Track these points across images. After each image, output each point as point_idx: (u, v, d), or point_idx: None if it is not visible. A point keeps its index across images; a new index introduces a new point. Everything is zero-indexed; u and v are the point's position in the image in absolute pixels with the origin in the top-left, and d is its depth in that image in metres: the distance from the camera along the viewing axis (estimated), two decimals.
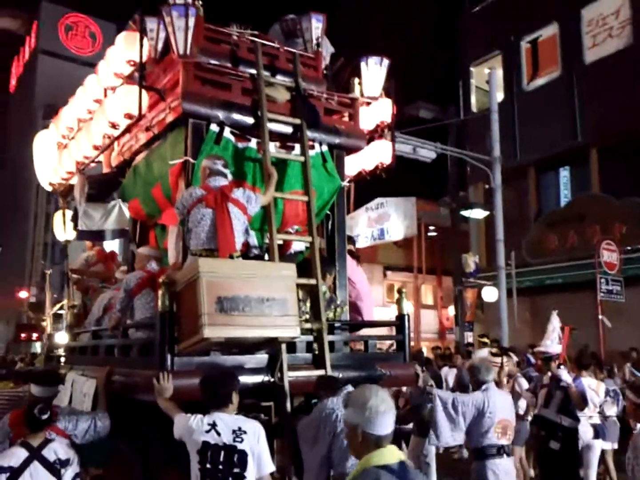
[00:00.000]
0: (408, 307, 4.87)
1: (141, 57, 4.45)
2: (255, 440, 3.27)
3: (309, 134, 4.83)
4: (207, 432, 3.21)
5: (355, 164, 5.45)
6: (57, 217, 6.38)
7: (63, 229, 6.07)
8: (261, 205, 4.36)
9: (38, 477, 3.26)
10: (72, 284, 5.93)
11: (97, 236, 5.78)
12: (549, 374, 6.29)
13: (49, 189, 6.28)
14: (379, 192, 17.22)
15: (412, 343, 17.31)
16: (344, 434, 3.45)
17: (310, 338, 4.30)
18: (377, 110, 5.44)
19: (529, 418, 6.92)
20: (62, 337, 5.82)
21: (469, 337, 15.51)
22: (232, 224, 4.03)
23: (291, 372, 4.07)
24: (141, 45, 4.43)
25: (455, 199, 16.58)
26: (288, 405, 4.06)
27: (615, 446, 7.32)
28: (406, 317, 4.72)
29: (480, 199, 16.56)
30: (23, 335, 27.63)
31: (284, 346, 4.06)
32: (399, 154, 12.77)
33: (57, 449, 3.38)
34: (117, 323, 4.40)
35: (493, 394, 4.70)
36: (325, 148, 4.98)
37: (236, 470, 3.18)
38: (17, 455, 3.27)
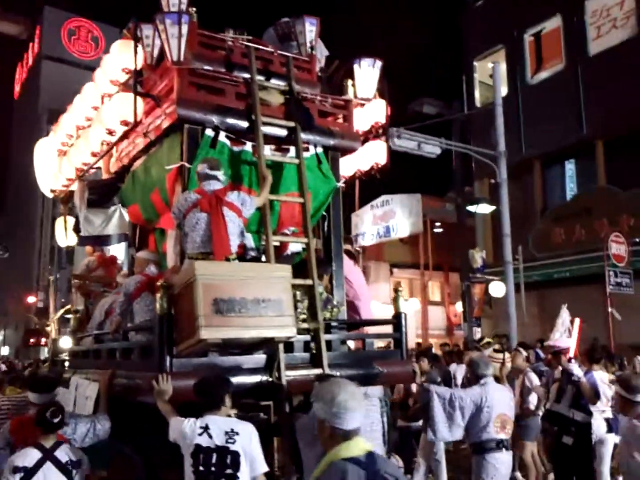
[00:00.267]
0: (414, 304, 4.96)
1: (136, 64, 4.58)
2: (248, 441, 3.37)
3: (304, 136, 4.94)
4: (200, 435, 3.31)
5: (351, 164, 5.55)
6: (59, 223, 6.52)
7: (65, 234, 6.21)
8: (256, 208, 4.48)
9: (51, 478, 3.41)
10: (74, 289, 6.07)
11: (98, 241, 5.92)
12: (560, 368, 6.31)
13: (50, 195, 6.42)
14: (384, 190, 17.29)
15: (420, 340, 17.40)
16: None
17: (307, 338, 4.40)
18: (372, 111, 5.54)
19: (540, 413, 6.98)
20: (66, 342, 5.97)
21: (478, 333, 15.54)
22: (226, 227, 4.14)
23: (289, 371, 4.17)
24: (135, 53, 4.56)
25: (461, 195, 16.65)
26: (287, 404, 4.16)
27: None
28: (403, 315, 4.80)
29: (486, 194, 16.59)
30: (32, 340, 27.93)
31: (281, 346, 4.16)
32: (403, 150, 12.95)
33: (69, 451, 3.52)
34: (118, 326, 4.53)
35: (491, 389, 4.79)
36: (319, 150, 5.09)
37: (229, 471, 3.29)
38: (31, 456, 3.42)
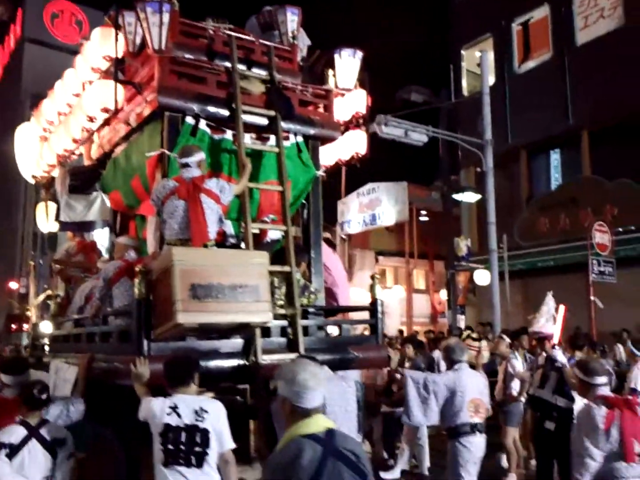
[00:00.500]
0: (399, 292, 5.10)
1: (116, 52, 4.65)
2: (216, 419, 3.49)
3: (284, 125, 5.05)
4: (169, 414, 3.43)
5: (331, 154, 5.67)
6: (40, 209, 6.59)
7: (46, 220, 6.29)
8: (235, 195, 4.59)
9: (36, 455, 3.52)
10: (54, 274, 6.16)
11: (80, 227, 6.00)
12: (544, 354, 6.46)
13: (32, 181, 6.49)
14: (371, 177, 17.40)
15: (404, 327, 17.59)
16: None
17: (284, 323, 4.55)
18: (352, 101, 5.64)
19: (523, 399, 7.16)
20: (46, 327, 6.07)
21: (462, 320, 15.78)
22: (204, 214, 4.25)
23: (266, 356, 4.30)
24: (116, 41, 4.64)
25: (447, 183, 16.80)
26: (263, 388, 4.30)
27: None
28: (379, 302, 4.95)
29: (472, 182, 16.76)
30: (14, 326, 27.77)
31: (258, 331, 4.30)
32: (390, 138, 13.07)
33: (54, 429, 3.63)
34: (97, 311, 4.64)
35: (465, 374, 4.96)
36: (300, 139, 5.20)
37: (198, 448, 3.41)
38: (17, 432, 3.53)
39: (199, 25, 5.11)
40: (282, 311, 4.52)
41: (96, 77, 4.95)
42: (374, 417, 7.90)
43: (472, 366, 5.40)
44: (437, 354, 10.15)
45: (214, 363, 4.21)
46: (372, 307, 4.98)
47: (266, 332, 4.49)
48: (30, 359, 5.88)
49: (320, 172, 5.34)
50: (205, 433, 3.45)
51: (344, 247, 17.73)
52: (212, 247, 4.29)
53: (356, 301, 8.60)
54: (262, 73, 5.14)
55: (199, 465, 3.42)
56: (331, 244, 5.71)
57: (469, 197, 15.68)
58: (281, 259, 4.71)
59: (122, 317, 4.44)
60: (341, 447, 2.44)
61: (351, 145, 5.67)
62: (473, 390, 4.92)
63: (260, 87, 5.07)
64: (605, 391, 4.09)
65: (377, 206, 17.39)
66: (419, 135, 13.64)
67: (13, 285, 29.19)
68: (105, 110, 4.73)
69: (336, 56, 5.43)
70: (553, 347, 6.28)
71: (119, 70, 4.76)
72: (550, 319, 6.98)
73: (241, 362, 4.29)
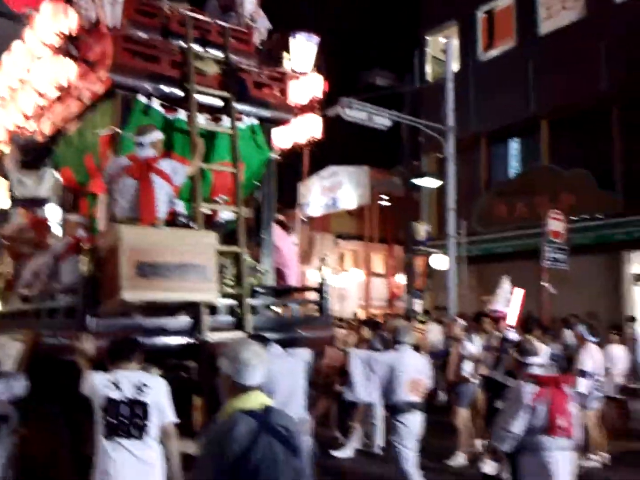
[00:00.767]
0: (358, 275, 5.24)
1: (69, 28, 4.63)
2: (157, 393, 3.60)
3: (238, 106, 5.13)
4: (110, 388, 3.53)
5: (287, 137, 5.76)
6: None
7: None
8: (188, 176, 4.66)
9: None
10: (3, 250, 6.12)
11: (31, 203, 5.97)
12: (497, 333, 6.67)
13: None
14: (333, 160, 17.51)
15: (361, 310, 17.88)
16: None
17: (232, 302, 4.67)
18: (308, 85, 5.73)
19: (474, 380, 7.43)
20: None
21: (418, 304, 16.11)
22: (154, 194, 4.30)
23: (213, 334, 4.42)
24: (67, 16, 4.61)
25: (409, 168, 17.01)
26: (209, 365, 4.42)
27: None
28: (326, 283, 5.11)
29: (433, 168, 17.00)
30: None
31: (205, 309, 4.42)
32: (354, 121, 13.19)
33: None
34: (45, 287, 4.68)
35: (406, 354, 5.19)
36: (254, 121, 5.28)
37: (138, 421, 3.52)
38: None
39: (154, 3, 5.11)
40: (230, 290, 4.64)
41: (47, 53, 4.91)
42: (332, 397, 8.11)
43: (417, 347, 5.61)
44: None
45: (161, 340, 4.32)
46: (320, 288, 5.13)
47: (214, 310, 4.61)
48: None
49: (274, 155, 5.43)
50: (145, 407, 3.56)
51: (304, 230, 17.85)
52: (161, 226, 4.36)
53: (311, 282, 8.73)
54: (218, 54, 5.19)
55: (140, 436, 3.53)
56: (283, 225, 5.82)
57: (430, 182, 15.93)
58: (234, 240, 4.82)
59: (69, 293, 4.48)
60: (276, 423, 2.56)
61: (306, 129, 5.77)
62: (413, 370, 5.15)
63: (215, 68, 5.12)
64: (538, 370, 4.36)
65: (338, 189, 17.52)
66: (382, 119, 13.78)
67: None
68: (57, 87, 4.72)
69: (292, 39, 5.50)
70: (507, 327, 6.52)
71: (71, 46, 4.74)
72: (505, 302, 7.26)
73: (188, 339, 4.40)
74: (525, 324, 7.42)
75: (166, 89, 4.86)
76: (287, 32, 5.85)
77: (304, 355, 5.02)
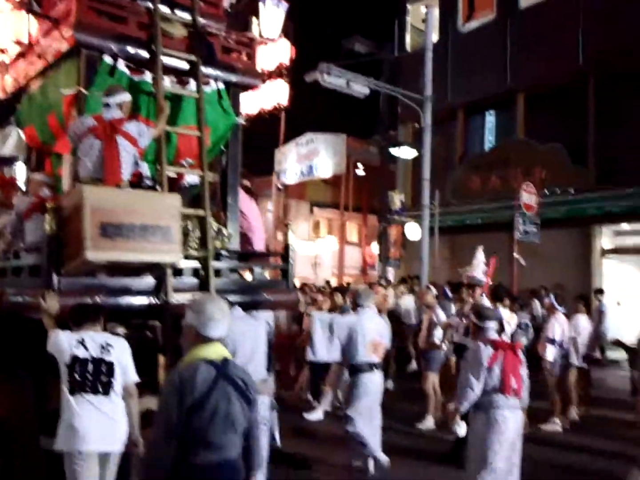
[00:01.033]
0: (332, 243, 5.37)
1: None
2: (121, 354, 3.78)
3: (205, 70, 5.16)
4: (76, 347, 3.68)
5: (254, 102, 5.81)
6: None
7: None
8: (153, 138, 4.71)
9: None
10: None
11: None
12: (471, 300, 6.86)
13: None
14: (310, 127, 17.52)
15: (335, 278, 18.13)
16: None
17: (197, 264, 4.78)
18: (276, 52, 5.77)
19: (444, 347, 7.68)
20: None
21: (390, 273, 16.38)
22: (119, 156, 4.37)
23: (177, 295, 4.54)
24: None
25: (386, 138, 17.09)
26: (173, 325, 4.54)
27: None
28: (291, 248, 5.25)
29: (410, 138, 17.15)
30: None
31: (169, 271, 4.53)
32: (332, 87, 13.19)
33: None
34: (9, 246, 4.74)
35: (366, 317, 5.41)
36: (221, 85, 5.32)
37: (104, 378, 3.70)
38: None
39: None
40: (194, 253, 4.75)
41: (7, 7, 4.87)
42: (305, 362, 8.33)
43: (380, 310, 5.83)
44: None
45: (125, 300, 4.43)
46: (284, 253, 5.27)
47: (178, 272, 4.72)
48: None
49: (241, 120, 5.49)
50: (110, 365, 3.73)
51: (279, 197, 17.95)
52: (125, 188, 4.43)
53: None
54: (186, 16, 5.19)
55: (105, 392, 3.71)
56: (249, 190, 5.92)
57: (406, 152, 16.06)
58: (198, 204, 4.91)
59: (33, 252, 4.56)
60: (233, 374, 2.79)
61: (273, 95, 5.83)
62: (373, 332, 5.38)
63: (182, 30, 5.13)
64: (494, 335, 4.59)
65: (314, 157, 17.55)
66: (360, 87, 13.80)
67: None
68: (18, 43, 4.70)
69: (260, 4, 5.52)
70: (481, 295, 6.72)
71: (34, 2, 4.71)
72: (480, 271, 7.49)
73: (152, 300, 4.52)
74: (496, 293, 7.65)
75: (132, 50, 4.87)
76: None
77: (266, 317, 5.20)
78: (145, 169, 4.95)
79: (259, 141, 18.76)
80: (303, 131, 18.02)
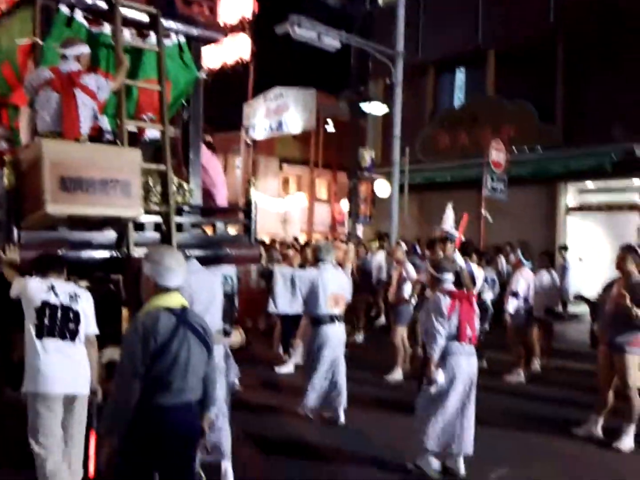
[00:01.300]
0: (302, 200, 5.46)
1: None
2: (86, 304, 3.93)
3: (166, 23, 5.14)
4: (46, 292, 3.80)
5: (216, 57, 5.82)
6: None
7: None
8: (112, 92, 4.73)
9: None
10: None
11: None
12: (442, 254, 6.95)
13: None
14: (280, 81, 17.36)
15: (304, 235, 18.30)
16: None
17: (158, 219, 4.88)
18: (238, 5, 5.76)
19: (413, 301, 7.91)
20: None
21: (359, 230, 16.60)
22: (78, 110, 4.38)
23: (139, 249, 4.64)
24: None
25: (356, 94, 17.08)
26: (135, 278, 4.66)
27: (487, 327, 8.50)
28: (253, 204, 5.37)
29: (380, 94, 17.15)
30: None
31: (130, 225, 4.62)
32: (303, 40, 13.09)
33: None
34: None
35: (327, 271, 5.61)
36: (182, 39, 5.31)
37: (71, 326, 3.84)
38: None
39: None
40: (156, 208, 4.84)
41: None
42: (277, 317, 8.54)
43: (340, 264, 6.03)
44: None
45: (87, 254, 4.53)
46: (246, 209, 5.39)
47: (139, 226, 4.82)
48: None
49: (203, 74, 5.51)
50: (78, 314, 3.88)
51: (248, 153, 17.85)
52: (84, 142, 4.47)
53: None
54: None
55: (72, 339, 3.86)
56: (211, 146, 5.98)
57: (377, 108, 16.11)
58: (160, 158, 4.97)
59: None
60: (192, 321, 2.97)
61: (235, 49, 5.84)
62: (334, 285, 5.59)
63: None
64: (450, 286, 4.83)
65: (284, 112, 17.45)
66: (331, 40, 13.74)
67: None
68: None
69: None
70: (454, 250, 6.91)
71: None
72: (451, 227, 7.69)
73: (114, 253, 4.63)
74: (464, 249, 7.84)
75: (90, 1, 4.82)
76: None
77: (229, 272, 5.34)
78: (105, 123, 4.97)
79: (228, 95, 18.58)
80: (272, 85, 17.85)
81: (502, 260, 13.04)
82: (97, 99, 4.57)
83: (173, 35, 5.26)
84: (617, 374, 5.50)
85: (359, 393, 6.54)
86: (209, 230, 5.87)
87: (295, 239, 15.17)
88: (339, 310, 5.65)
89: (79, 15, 4.81)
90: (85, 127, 4.46)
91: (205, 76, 5.60)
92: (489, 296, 8.37)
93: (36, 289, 3.79)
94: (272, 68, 17.36)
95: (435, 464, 4.68)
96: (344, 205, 19.45)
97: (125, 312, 4.85)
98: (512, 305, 7.91)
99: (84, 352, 3.94)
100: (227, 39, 5.07)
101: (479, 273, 7.76)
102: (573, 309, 12.90)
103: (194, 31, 5.36)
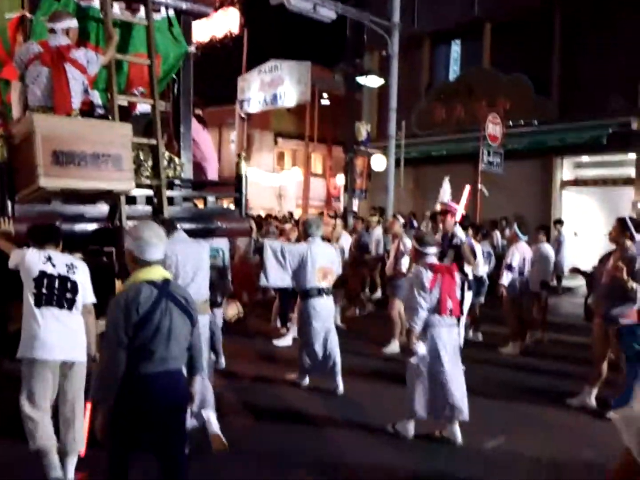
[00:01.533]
0: (297, 175, 5.56)
1: None
2: (83, 275, 4.05)
3: None
4: (44, 263, 3.93)
5: (205, 30, 5.88)
6: None
7: None
8: (102, 66, 4.81)
9: None
10: None
11: None
12: (440, 228, 7.11)
13: None
14: (275, 54, 17.29)
15: (299, 210, 18.41)
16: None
17: (150, 193, 5.01)
18: None
19: (410, 275, 7.95)
20: None
21: (355, 204, 16.69)
22: (68, 84, 4.46)
23: (130, 222, 4.77)
24: None
25: (351, 66, 17.03)
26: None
27: (482, 300, 8.72)
28: (243, 178, 5.49)
29: (376, 67, 17.12)
30: None
31: (123, 198, 4.75)
32: (297, 11, 13.05)
33: None
34: None
35: (316, 245, 5.75)
36: (171, 12, 5.38)
37: (69, 295, 3.97)
38: None
39: None
40: (147, 181, 4.96)
41: None
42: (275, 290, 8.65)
43: (328, 239, 6.16)
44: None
45: (80, 226, 4.67)
46: (237, 183, 5.52)
47: (131, 200, 4.95)
48: None
49: (192, 48, 5.58)
50: (75, 284, 4.01)
51: (243, 127, 17.83)
52: (76, 116, 4.57)
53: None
54: None
55: (70, 308, 3.99)
56: (201, 120, 6.07)
57: (373, 81, 16.07)
58: (151, 133, 5.07)
59: None
60: (174, 292, 3.10)
61: (225, 23, 5.90)
62: (323, 259, 5.74)
63: None
64: (433, 259, 4.97)
65: (279, 85, 17.41)
66: (327, 11, 13.68)
67: None
68: None
69: None
70: (455, 224, 6.96)
71: None
72: (449, 199, 7.76)
73: (107, 226, 4.76)
74: (461, 223, 7.76)
75: None
76: None
77: (219, 244, 5.50)
78: (96, 97, 5.06)
79: (222, 69, 18.50)
80: (268, 58, 17.78)
81: (497, 234, 13.19)
82: (87, 73, 4.64)
83: (162, 9, 5.32)
84: (612, 346, 5.54)
85: (356, 365, 6.70)
86: (201, 204, 6.01)
87: (290, 214, 15.26)
88: (327, 283, 5.80)
89: None
90: (76, 101, 4.55)
91: (195, 50, 5.66)
92: (484, 270, 8.49)
93: (34, 260, 3.92)
94: (267, 41, 17.31)
95: (411, 430, 4.85)
96: (340, 179, 19.51)
97: (118, 283, 5.01)
98: (507, 278, 8.03)
99: (81, 321, 4.08)
100: (217, 12, 5.10)
101: (477, 247, 7.84)
102: (567, 282, 13.08)
103: (183, 5, 5.42)
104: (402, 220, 9.00)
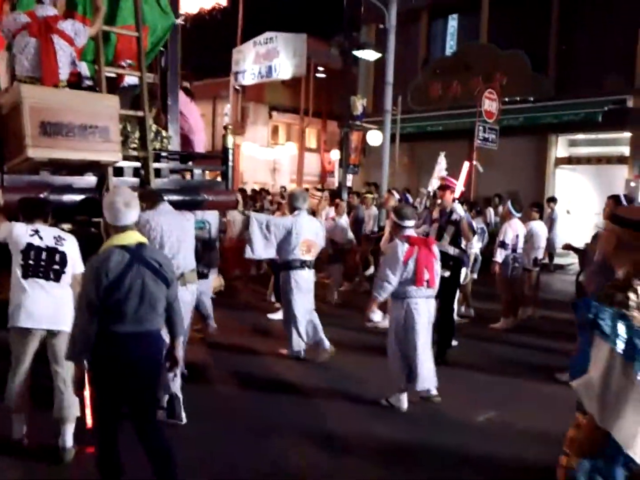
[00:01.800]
0: (291, 149, 5.65)
1: None
2: (71, 246, 4.17)
3: None
4: (31, 236, 4.06)
5: (193, 2, 5.95)
6: None
7: None
8: (90, 37, 4.90)
9: None
10: None
11: None
12: (437, 206, 7.12)
13: None
14: (269, 25, 17.22)
15: (293, 185, 18.48)
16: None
17: (137, 164, 5.14)
18: None
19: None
20: None
21: (350, 179, 16.78)
22: (56, 55, 4.55)
23: None
24: None
25: (348, 39, 17.00)
26: None
27: (475, 276, 8.82)
28: (229, 151, 5.61)
29: (372, 40, 17.08)
30: None
31: (110, 169, 4.88)
32: None
33: None
34: None
35: (301, 219, 5.90)
36: None
37: (56, 266, 4.10)
38: None
39: None
40: (134, 153, 5.09)
41: None
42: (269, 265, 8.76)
43: (314, 212, 6.30)
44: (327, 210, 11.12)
45: (68, 197, 4.79)
46: (223, 156, 5.64)
47: (119, 171, 5.08)
48: None
49: (180, 20, 5.66)
50: (63, 255, 4.12)
51: (237, 99, 17.79)
52: (63, 87, 4.67)
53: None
54: None
55: (57, 279, 4.12)
56: (189, 92, 6.16)
57: (369, 54, 16.02)
58: (139, 105, 5.18)
59: None
60: (148, 256, 3.24)
61: None
62: (308, 232, 5.90)
63: None
64: (411, 232, 5.11)
65: (274, 57, 17.37)
66: None
67: None
68: None
69: None
70: (454, 200, 7.00)
71: None
72: (444, 175, 7.81)
73: (95, 197, 4.89)
74: (456, 198, 7.95)
75: None
76: None
77: (206, 217, 5.63)
78: (84, 68, 5.16)
79: (216, 40, 18.40)
80: (263, 31, 17.71)
81: (490, 211, 13.32)
82: (75, 44, 4.71)
83: None
84: None
85: (346, 338, 6.84)
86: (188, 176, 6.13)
87: (284, 189, 15.36)
88: (310, 256, 5.97)
89: None
90: (64, 72, 4.64)
91: (182, 22, 5.73)
92: (478, 246, 8.58)
93: (21, 233, 4.05)
94: (263, 12, 17.22)
95: (405, 401, 5.02)
96: (334, 154, 19.56)
97: None
98: (500, 255, 8.12)
99: (69, 292, 4.21)
100: None
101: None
102: (559, 260, 13.25)
103: None
104: (397, 196, 9.09)
